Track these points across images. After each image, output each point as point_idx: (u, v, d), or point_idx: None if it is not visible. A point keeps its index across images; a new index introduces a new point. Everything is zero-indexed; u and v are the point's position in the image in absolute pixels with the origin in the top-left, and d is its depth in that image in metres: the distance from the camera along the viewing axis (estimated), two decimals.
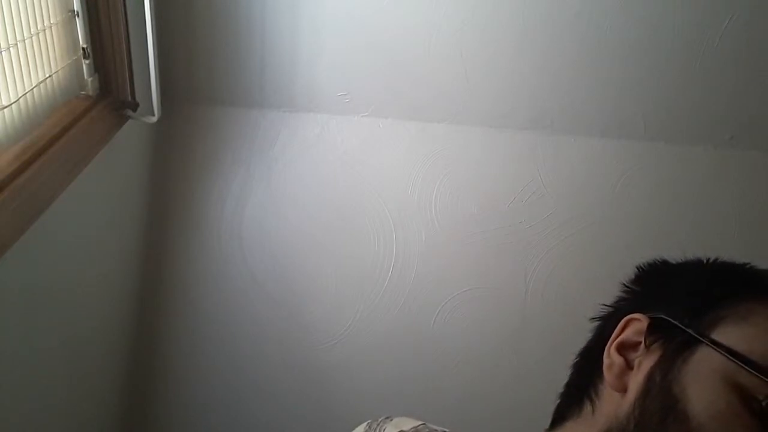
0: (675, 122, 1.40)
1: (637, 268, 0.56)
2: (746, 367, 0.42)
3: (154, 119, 1.24)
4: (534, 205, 1.44)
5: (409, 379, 1.48)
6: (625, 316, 0.51)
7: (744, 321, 0.45)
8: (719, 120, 1.39)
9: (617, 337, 0.50)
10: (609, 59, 1.32)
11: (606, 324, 0.55)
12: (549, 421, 0.58)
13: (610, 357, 0.50)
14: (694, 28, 1.26)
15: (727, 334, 0.45)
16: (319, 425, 1.50)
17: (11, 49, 0.86)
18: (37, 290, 0.99)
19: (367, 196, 1.45)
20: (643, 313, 0.50)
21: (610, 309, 0.56)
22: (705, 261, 0.53)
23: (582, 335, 0.59)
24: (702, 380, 0.43)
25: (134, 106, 1.19)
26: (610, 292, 0.61)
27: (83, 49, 1.07)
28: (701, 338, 0.45)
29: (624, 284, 0.56)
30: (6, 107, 0.86)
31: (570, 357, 0.59)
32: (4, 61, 0.85)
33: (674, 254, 0.54)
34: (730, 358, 0.43)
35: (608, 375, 0.49)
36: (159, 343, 1.50)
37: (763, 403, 0.41)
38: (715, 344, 0.44)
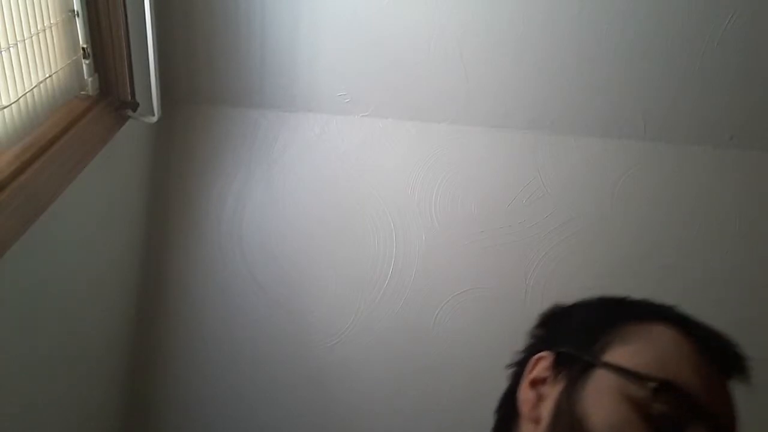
0: (675, 122, 1.40)
1: (540, 315, 0.64)
2: (632, 379, 0.49)
3: (154, 119, 1.24)
4: (534, 205, 1.44)
5: (410, 379, 1.48)
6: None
7: (626, 342, 0.53)
8: (719, 120, 1.39)
9: (529, 374, 0.58)
10: (609, 59, 1.32)
11: (520, 368, 0.62)
12: None
13: (525, 393, 0.57)
14: (694, 28, 1.26)
15: (615, 354, 0.52)
16: (320, 425, 1.50)
17: (11, 49, 0.86)
18: (37, 290, 0.99)
19: (367, 197, 1.45)
20: (549, 351, 0.58)
21: (523, 354, 0.63)
22: (591, 299, 0.62)
23: None
24: (600, 398, 0.50)
25: (134, 106, 1.19)
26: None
27: (83, 49, 1.07)
28: (595, 362, 0.52)
29: (530, 330, 0.64)
30: (6, 107, 0.86)
31: None
32: (4, 61, 0.85)
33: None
34: (618, 373, 0.50)
35: (524, 409, 0.56)
36: (159, 343, 1.50)
37: (651, 407, 0.47)
38: (606, 365, 0.52)
